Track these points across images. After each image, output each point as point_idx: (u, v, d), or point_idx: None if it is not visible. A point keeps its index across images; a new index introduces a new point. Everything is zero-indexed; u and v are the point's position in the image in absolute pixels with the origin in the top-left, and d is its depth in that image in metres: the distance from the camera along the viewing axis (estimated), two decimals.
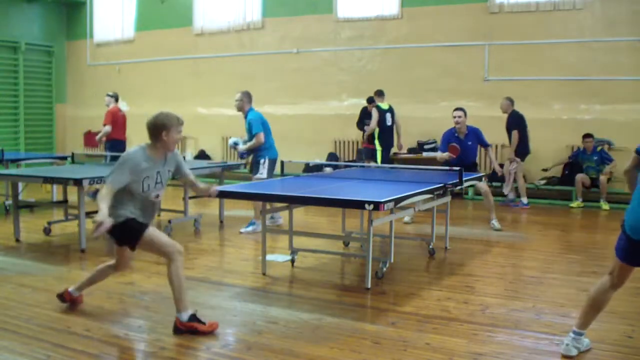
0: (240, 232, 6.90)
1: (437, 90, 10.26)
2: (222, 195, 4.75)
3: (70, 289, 4.11)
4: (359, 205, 4.35)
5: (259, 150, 7.03)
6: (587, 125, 9.30)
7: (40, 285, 4.64)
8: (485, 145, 7.21)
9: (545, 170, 9.50)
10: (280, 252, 5.83)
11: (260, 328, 3.76)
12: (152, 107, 9.46)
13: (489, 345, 3.48)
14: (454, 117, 7.00)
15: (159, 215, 7.64)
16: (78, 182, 5.58)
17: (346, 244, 6.23)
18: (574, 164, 9.23)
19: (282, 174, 6.44)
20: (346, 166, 8.00)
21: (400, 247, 6.07)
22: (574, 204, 8.95)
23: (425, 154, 10.01)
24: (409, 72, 10.62)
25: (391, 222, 4.90)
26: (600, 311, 3.31)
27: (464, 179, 5.56)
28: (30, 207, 7.84)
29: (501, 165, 8.65)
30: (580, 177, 8.94)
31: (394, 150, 9.63)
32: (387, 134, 9.18)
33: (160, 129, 3.61)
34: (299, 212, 7.07)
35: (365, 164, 8.76)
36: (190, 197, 7.43)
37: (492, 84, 10.02)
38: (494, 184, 9.15)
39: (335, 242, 6.19)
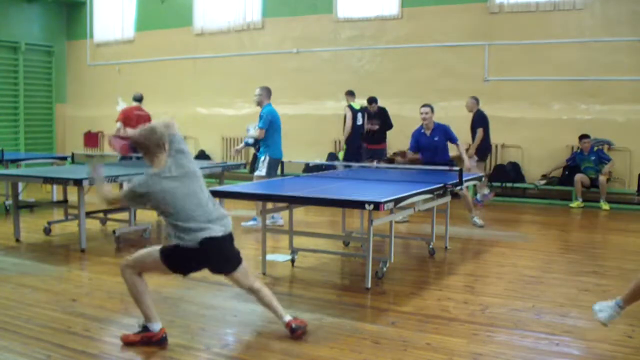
0: (242, 225, 7.05)
1: (437, 90, 10.24)
2: (222, 195, 4.75)
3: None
4: (359, 205, 4.37)
5: (261, 146, 7.16)
6: (587, 126, 9.30)
7: (40, 285, 4.64)
8: (453, 141, 7.27)
9: (544, 176, 9.52)
10: (281, 252, 5.83)
11: (260, 328, 3.76)
12: (152, 107, 9.62)
13: (489, 345, 3.49)
14: (421, 113, 7.13)
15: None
16: (78, 182, 5.58)
17: (346, 244, 6.23)
18: (573, 166, 9.24)
19: (282, 174, 6.45)
20: (346, 166, 8.00)
21: (400, 247, 6.07)
22: (574, 204, 8.95)
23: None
24: (409, 72, 10.61)
25: (391, 222, 4.89)
26: None
27: (464, 179, 5.57)
28: (30, 207, 7.83)
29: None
30: (579, 177, 8.93)
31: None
32: (355, 133, 9.27)
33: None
34: (299, 212, 7.08)
35: (367, 164, 8.76)
36: None
37: (492, 84, 10.02)
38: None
39: (335, 242, 6.20)
